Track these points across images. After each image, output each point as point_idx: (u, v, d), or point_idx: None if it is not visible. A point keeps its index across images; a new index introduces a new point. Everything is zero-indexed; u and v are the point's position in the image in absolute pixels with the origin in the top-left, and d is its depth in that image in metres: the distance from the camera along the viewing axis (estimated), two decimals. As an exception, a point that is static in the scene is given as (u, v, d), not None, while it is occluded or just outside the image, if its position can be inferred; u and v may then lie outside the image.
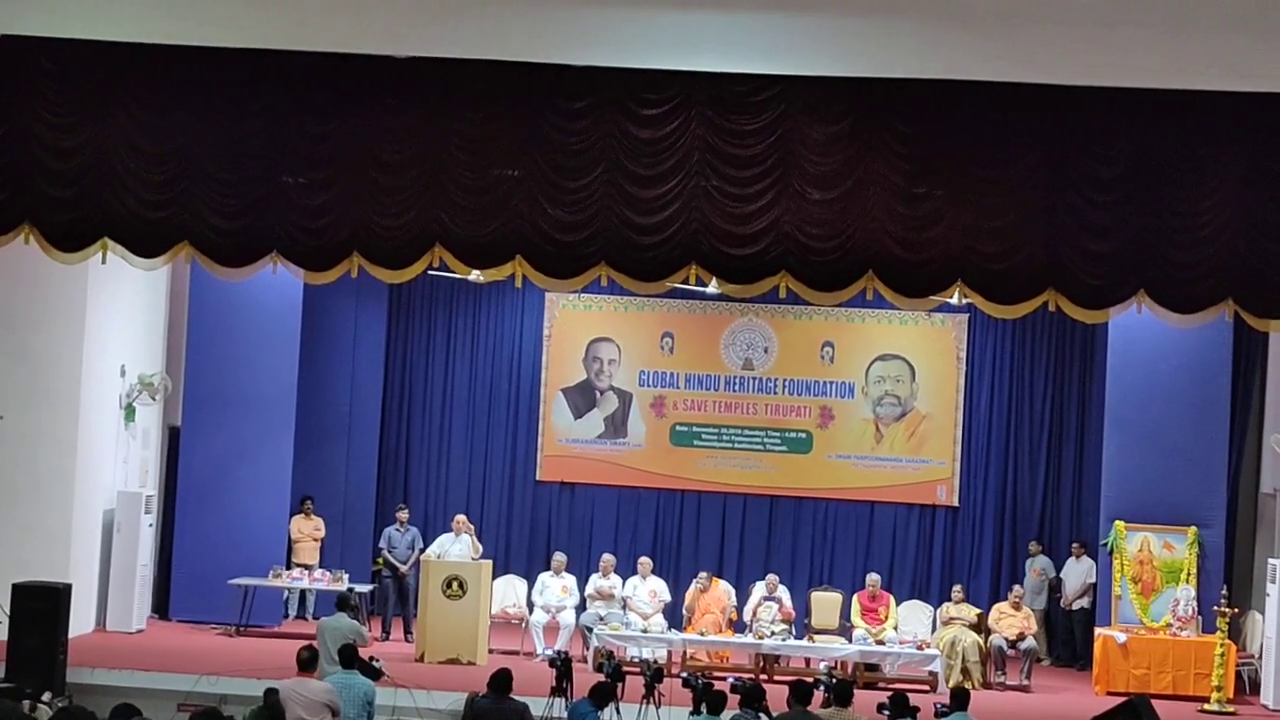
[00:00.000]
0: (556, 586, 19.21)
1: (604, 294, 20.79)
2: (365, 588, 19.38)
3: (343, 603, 15.84)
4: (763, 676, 17.47)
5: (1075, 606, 19.94)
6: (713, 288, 17.38)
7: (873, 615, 19.11)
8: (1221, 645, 17.68)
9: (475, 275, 18.01)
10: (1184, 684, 18.14)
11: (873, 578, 19.51)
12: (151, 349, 20.12)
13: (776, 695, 13.90)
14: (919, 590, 20.81)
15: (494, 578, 18.99)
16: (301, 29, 15.34)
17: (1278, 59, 14.51)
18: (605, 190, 16.27)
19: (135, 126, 16.29)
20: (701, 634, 18.39)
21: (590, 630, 18.32)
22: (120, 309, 19.11)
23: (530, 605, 19.20)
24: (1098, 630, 18.79)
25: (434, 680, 16.26)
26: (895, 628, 19.01)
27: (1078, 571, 19.96)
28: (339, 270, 16.67)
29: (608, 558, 19.62)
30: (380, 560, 19.91)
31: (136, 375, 19.55)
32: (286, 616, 20.33)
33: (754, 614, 18.72)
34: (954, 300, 17.00)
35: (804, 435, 21.35)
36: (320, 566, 19.94)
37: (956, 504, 21.23)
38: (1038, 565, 20.43)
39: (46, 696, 14.51)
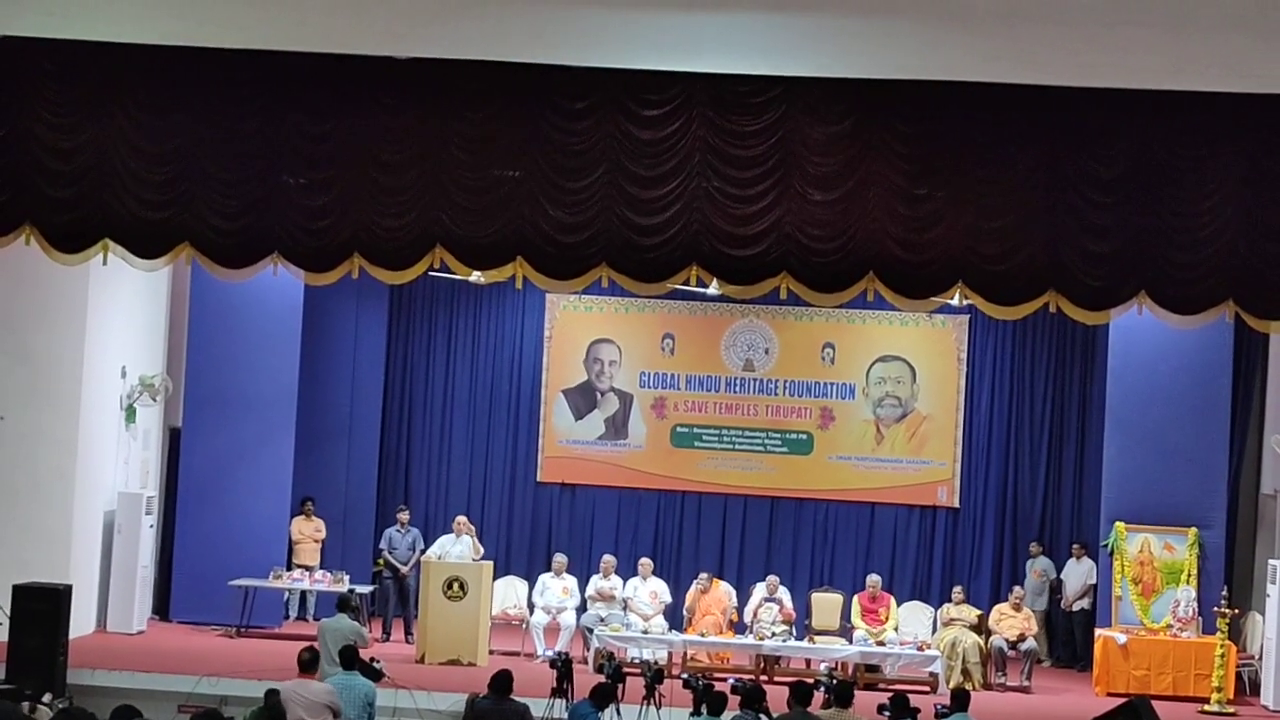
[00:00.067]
0: (557, 588, 19.21)
1: (605, 295, 20.79)
2: (366, 589, 19.37)
3: (343, 604, 15.83)
4: (763, 677, 17.46)
5: (1076, 607, 19.94)
6: (713, 289, 17.37)
7: (873, 616, 19.11)
8: (1222, 646, 17.68)
9: (476, 276, 18.00)
10: (1184, 685, 18.15)
11: (873, 579, 19.51)
12: (152, 350, 20.12)
13: (777, 696, 13.90)
14: (919, 591, 20.80)
15: (495, 579, 18.99)
16: (301, 29, 15.33)
17: (1278, 59, 14.49)
18: (606, 191, 16.26)
19: (135, 127, 16.29)
20: (702, 635, 18.39)
21: (591, 631, 18.32)
22: (121, 310, 19.11)
23: (531, 606, 19.20)
24: (1098, 631, 18.80)
25: (435, 681, 16.26)
26: (896, 629, 19.01)
27: (1078, 572, 19.96)
28: (340, 271, 16.67)
29: (608, 559, 19.62)
30: (381, 561, 19.92)
31: (137, 376, 19.56)
32: (287, 618, 20.34)
33: (754, 615, 18.73)
34: (954, 301, 16.99)
35: (805, 436, 21.35)
36: (321, 568, 19.95)
37: (957, 505, 21.23)
38: (1039, 566, 20.43)
39: (47, 698, 14.53)
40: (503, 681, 13.24)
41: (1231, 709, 17.61)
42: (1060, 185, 15.97)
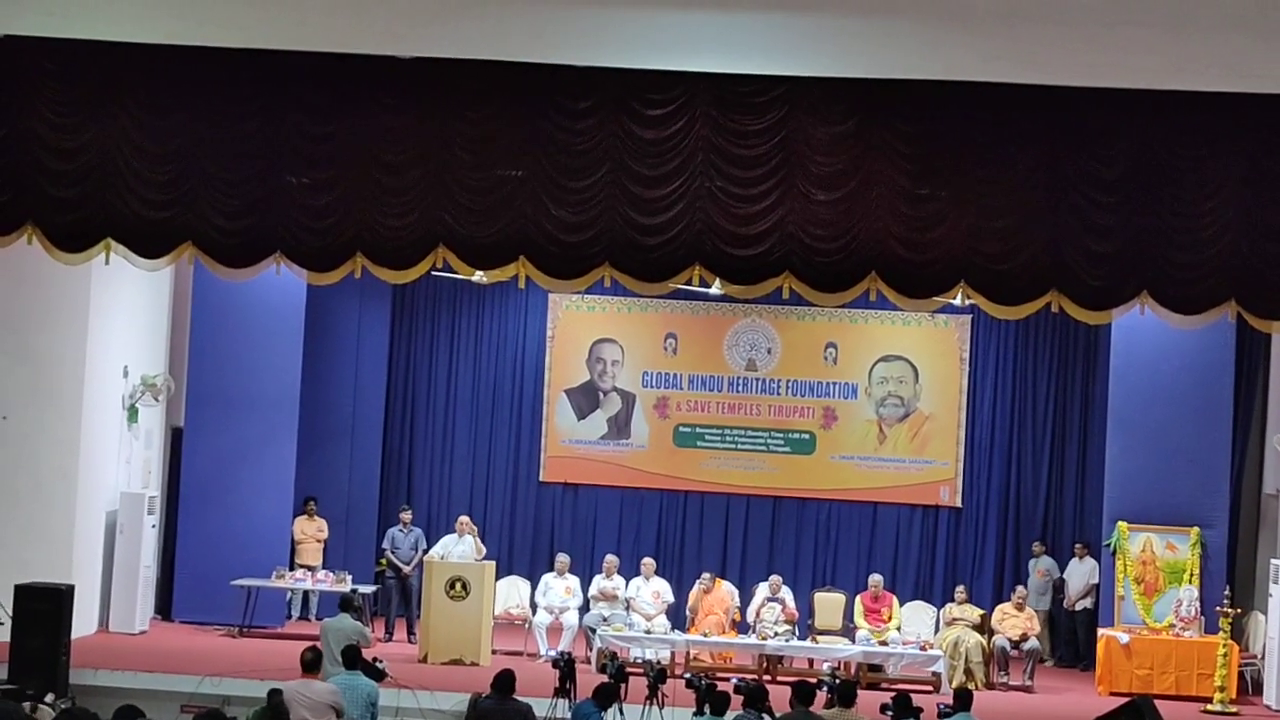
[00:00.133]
0: (560, 587, 19.22)
1: (607, 295, 20.81)
2: (368, 589, 19.38)
3: (346, 604, 15.84)
4: (766, 677, 17.43)
5: (1078, 607, 19.94)
6: (716, 288, 17.36)
7: (876, 616, 19.11)
8: (1224, 646, 17.67)
9: (479, 276, 17.99)
10: (1187, 684, 18.15)
11: (875, 578, 19.52)
12: (154, 349, 20.13)
13: (779, 696, 13.93)
14: (922, 591, 20.80)
15: (497, 579, 19.00)
16: (302, 29, 15.34)
17: (1278, 59, 14.50)
18: (609, 191, 16.25)
19: (137, 127, 16.28)
20: (705, 635, 18.39)
21: (593, 631, 18.33)
22: (123, 309, 19.11)
23: (533, 606, 19.21)
24: (1101, 631, 18.80)
25: (437, 681, 16.26)
26: (898, 628, 19.00)
27: (1080, 572, 19.95)
28: (342, 271, 16.65)
29: (611, 559, 19.63)
30: (383, 561, 19.94)
31: (139, 376, 19.57)
32: (289, 617, 20.33)
33: (757, 615, 18.74)
34: (957, 301, 16.99)
35: (807, 436, 21.34)
36: (323, 567, 19.95)
37: (959, 505, 21.22)
38: (1042, 566, 20.42)
39: (49, 698, 14.49)
40: (505, 681, 13.24)
41: (1234, 709, 17.60)
42: (1062, 185, 15.95)
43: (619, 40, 15.34)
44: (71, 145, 16.27)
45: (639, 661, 16.96)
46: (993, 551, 21.13)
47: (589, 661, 17.91)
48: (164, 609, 20.13)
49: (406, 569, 19.66)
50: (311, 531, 20.30)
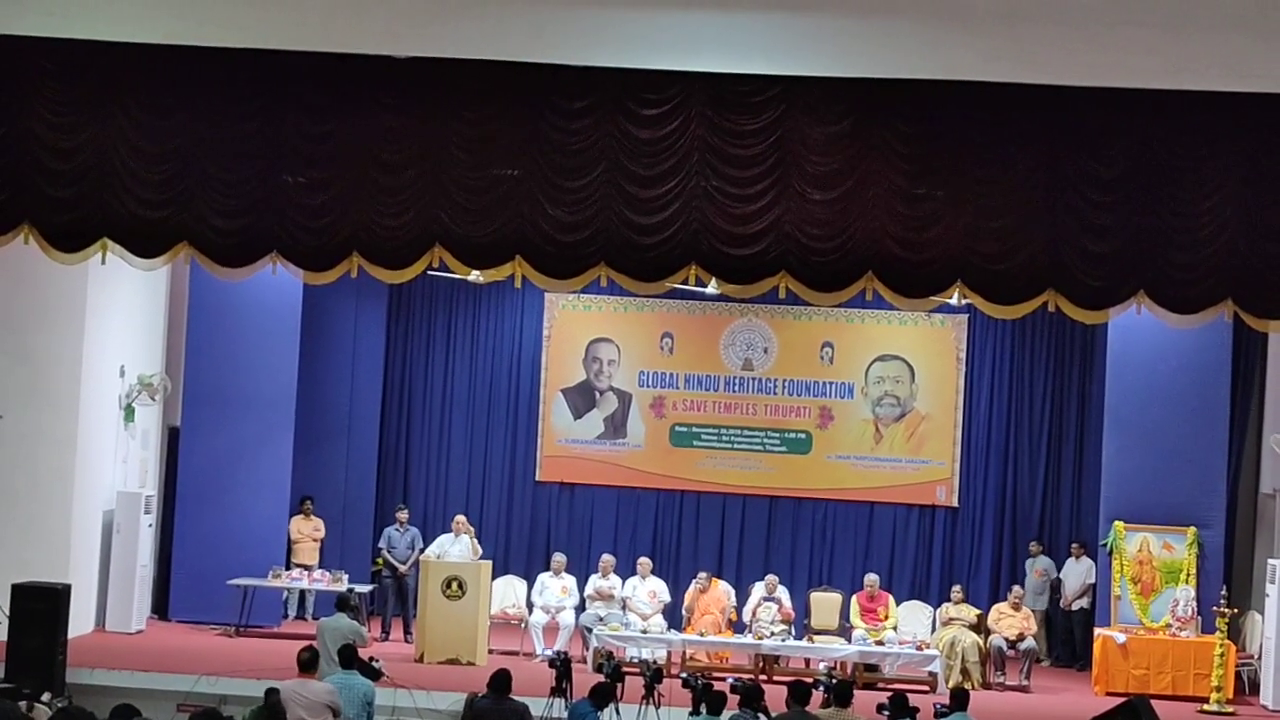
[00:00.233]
0: (556, 587, 19.21)
1: (604, 294, 20.80)
2: (365, 588, 19.38)
3: (342, 603, 15.85)
4: (762, 677, 17.46)
5: (1075, 607, 19.94)
6: (712, 288, 17.37)
7: (872, 616, 19.11)
8: (1221, 646, 17.68)
9: (475, 275, 18.00)
10: (1183, 684, 18.15)
11: (871, 578, 19.51)
12: (151, 349, 20.11)
13: (776, 696, 13.89)
14: (918, 591, 20.81)
15: (493, 578, 18.97)
16: (301, 29, 15.34)
17: (1278, 59, 14.51)
18: (605, 190, 16.24)
19: (135, 126, 16.27)
20: (701, 634, 18.39)
21: (590, 631, 18.32)
22: (120, 309, 19.10)
23: (530, 606, 19.20)
24: (1097, 630, 18.80)
25: (433, 681, 16.26)
26: (895, 628, 19.01)
27: (1077, 572, 19.96)
28: (339, 270, 16.64)
29: (607, 558, 19.62)
30: (380, 560, 19.92)
31: (136, 375, 19.55)
32: (286, 617, 20.33)
33: (753, 614, 18.73)
34: (954, 301, 17.00)
35: (803, 436, 21.35)
36: (320, 567, 19.94)
37: (956, 504, 21.23)
38: (1039, 565, 20.43)
39: (46, 697, 14.51)
40: (502, 681, 13.24)
41: (1231, 708, 17.60)
42: (1060, 185, 15.95)
43: (617, 40, 15.34)
44: (69, 145, 16.25)
45: (635, 661, 16.99)
46: (989, 551, 21.15)
47: (585, 661, 17.89)
48: (160, 608, 20.11)
49: (403, 568, 19.65)
50: (308, 531, 20.30)
